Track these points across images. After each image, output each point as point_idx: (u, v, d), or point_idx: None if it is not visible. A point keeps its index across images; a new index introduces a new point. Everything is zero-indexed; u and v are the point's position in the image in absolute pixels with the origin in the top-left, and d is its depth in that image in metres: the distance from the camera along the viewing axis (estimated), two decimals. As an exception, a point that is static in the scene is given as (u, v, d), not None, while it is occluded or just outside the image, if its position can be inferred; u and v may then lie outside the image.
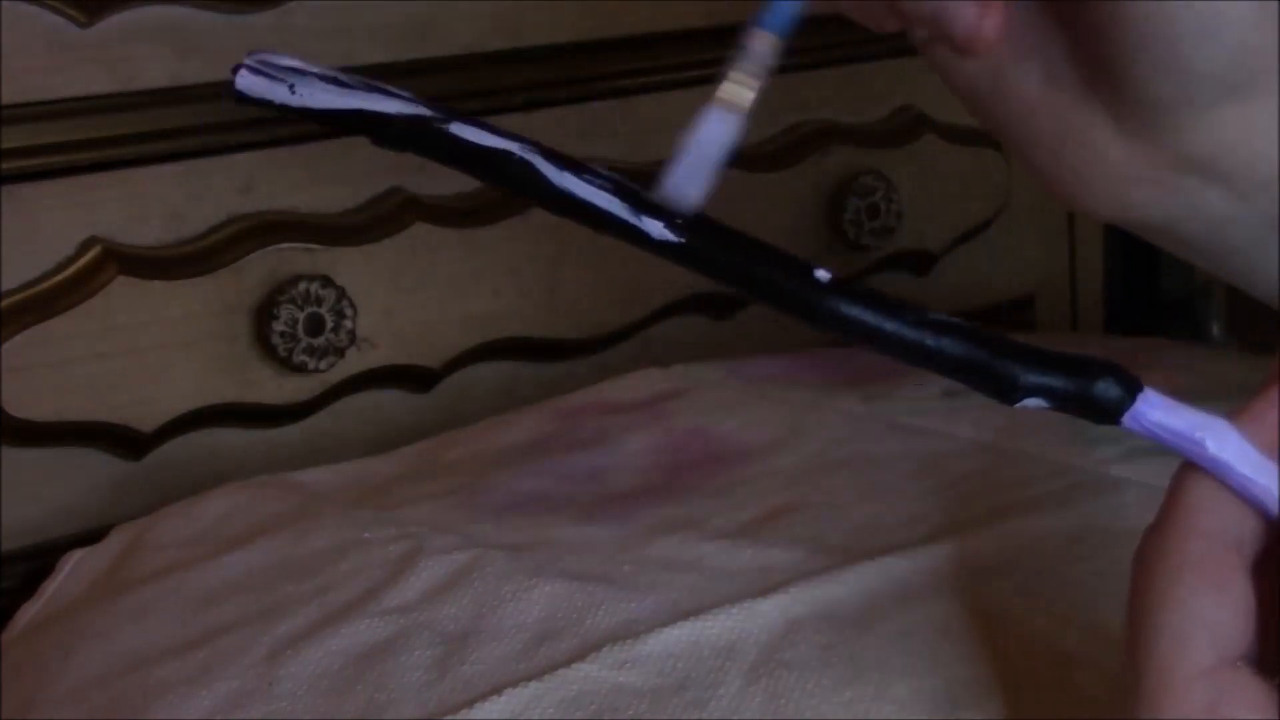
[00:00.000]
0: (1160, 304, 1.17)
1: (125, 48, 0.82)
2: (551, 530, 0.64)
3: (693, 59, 0.95)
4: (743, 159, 0.95)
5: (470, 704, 0.53)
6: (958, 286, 1.08)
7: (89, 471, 0.83)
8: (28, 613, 0.71)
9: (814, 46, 0.96)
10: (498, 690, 0.53)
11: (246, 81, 0.43)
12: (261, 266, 0.85)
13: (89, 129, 0.82)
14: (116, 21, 0.81)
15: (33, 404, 0.80)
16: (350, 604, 0.60)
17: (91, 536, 0.76)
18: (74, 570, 0.72)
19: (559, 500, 0.67)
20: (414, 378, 0.91)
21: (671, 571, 0.59)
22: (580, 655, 0.54)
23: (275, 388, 0.87)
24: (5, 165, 0.79)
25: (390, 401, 0.91)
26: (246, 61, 0.44)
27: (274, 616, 0.60)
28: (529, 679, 0.53)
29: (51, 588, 0.71)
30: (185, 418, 0.85)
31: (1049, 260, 1.13)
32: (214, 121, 0.84)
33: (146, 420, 0.84)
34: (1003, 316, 1.11)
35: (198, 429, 0.85)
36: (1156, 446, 0.64)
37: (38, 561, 0.80)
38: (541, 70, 0.93)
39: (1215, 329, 1.16)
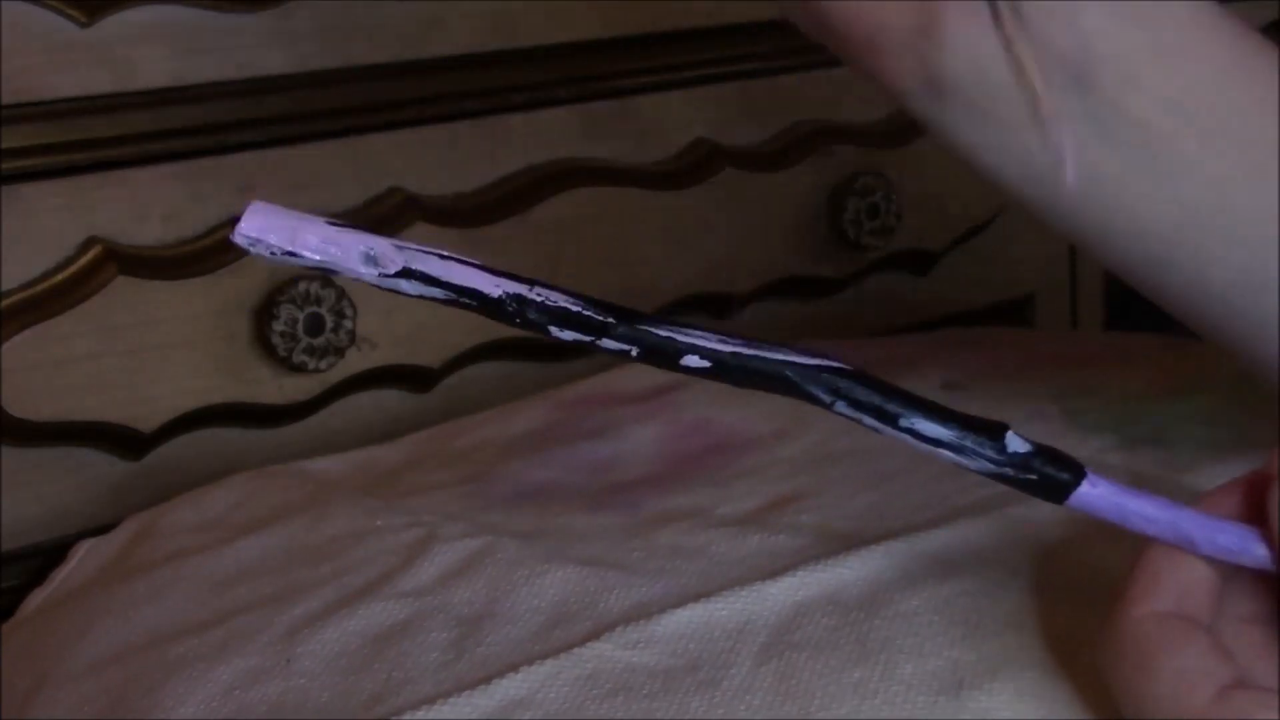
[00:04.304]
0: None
1: (125, 48, 0.82)
2: (561, 519, 0.65)
3: (693, 59, 0.95)
4: (743, 159, 0.96)
5: (488, 680, 0.53)
6: (958, 286, 1.08)
7: (89, 471, 0.83)
8: (37, 598, 0.71)
9: (814, 46, 0.95)
10: (514, 668, 0.54)
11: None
12: (261, 266, 0.85)
13: (89, 129, 0.82)
14: (116, 21, 0.81)
15: (33, 404, 0.80)
16: (365, 587, 0.61)
17: (91, 536, 0.76)
18: (85, 558, 0.73)
19: (568, 490, 0.68)
20: (414, 377, 0.91)
21: (680, 558, 0.60)
22: (594, 635, 0.55)
23: (275, 387, 0.87)
24: (5, 165, 0.79)
25: (390, 401, 0.91)
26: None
27: (290, 599, 0.61)
28: (544, 657, 0.54)
29: (62, 574, 0.72)
30: (185, 417, 0.85)
31: (1049, 260, 1.13)
32: (214, 121, 0.84)
33: (146, 420, 0.83)
34: (1003, 316, 1.11)
35: (198, 429, 0.85)
36: (1151, 436, 0.65)
37: (37, 561, 0.80)
38: (541, 70, 0.93)
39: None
